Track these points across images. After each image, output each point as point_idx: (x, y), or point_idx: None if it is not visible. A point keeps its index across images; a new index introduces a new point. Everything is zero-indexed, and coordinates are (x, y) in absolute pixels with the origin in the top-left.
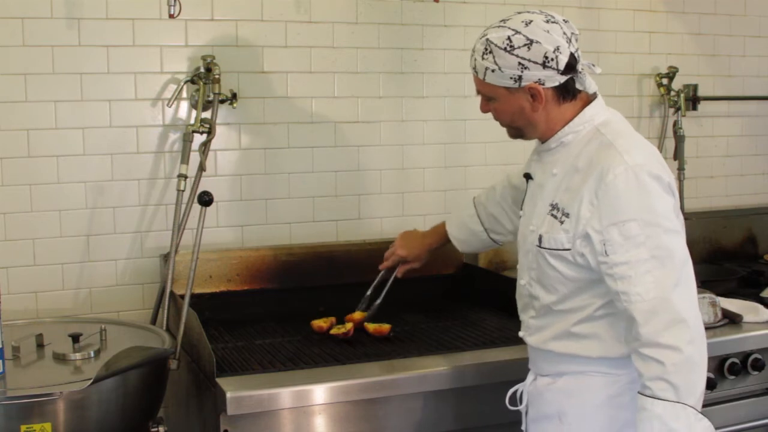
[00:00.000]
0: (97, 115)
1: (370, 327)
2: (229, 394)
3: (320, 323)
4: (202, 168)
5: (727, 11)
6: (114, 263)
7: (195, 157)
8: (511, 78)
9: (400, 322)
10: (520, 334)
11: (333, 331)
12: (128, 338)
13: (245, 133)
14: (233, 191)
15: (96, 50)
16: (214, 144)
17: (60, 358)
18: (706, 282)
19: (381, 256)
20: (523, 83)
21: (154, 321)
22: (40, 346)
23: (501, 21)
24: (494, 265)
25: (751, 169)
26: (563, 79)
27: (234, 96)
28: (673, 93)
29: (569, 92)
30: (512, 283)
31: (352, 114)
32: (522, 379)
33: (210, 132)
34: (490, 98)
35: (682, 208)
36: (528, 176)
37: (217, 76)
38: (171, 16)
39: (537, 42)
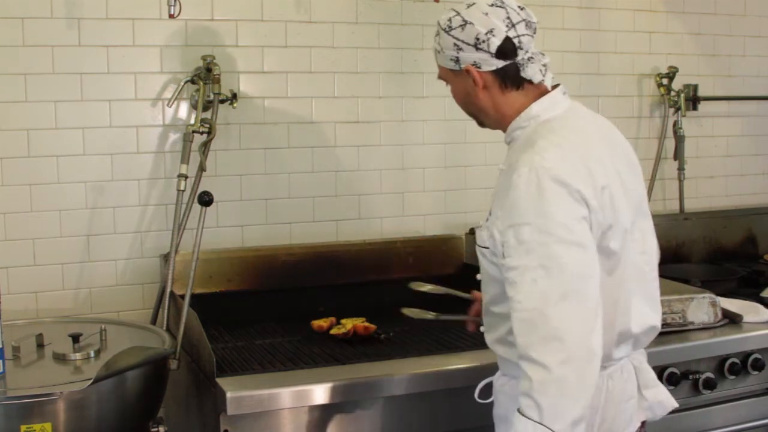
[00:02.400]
0: (97, 115)
1: (359, 325)
2: (229, 394)
3: (320, 323)
4: (202, 168)
5: (727, 11)
6: (114, 263)
7: (195, 157)
8: (451, 59)
9: (400, 322)
10: (481, 329)
11: (333, 331)
12: (128, 338)
13: (245, 133)
14: (233, 191)
15: (96, 50)
16: (214, 144)
17: (60, 358)
18: (706, 282)
19: (381, 256)
20: (461, 65)
21: (154, 321)
22: (40, 346)
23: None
24: None
25: (751, 169)
26: (500, 63)
27: (234, 96)
28: (673, 93)
29: (511, 79)
30: None
31: (352, 114)
32: None
33: (210, 132)
34: (446, 82)
35: (682, 208)
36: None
37: (217, 76)
38: (171, 16)
39: (470, 23)
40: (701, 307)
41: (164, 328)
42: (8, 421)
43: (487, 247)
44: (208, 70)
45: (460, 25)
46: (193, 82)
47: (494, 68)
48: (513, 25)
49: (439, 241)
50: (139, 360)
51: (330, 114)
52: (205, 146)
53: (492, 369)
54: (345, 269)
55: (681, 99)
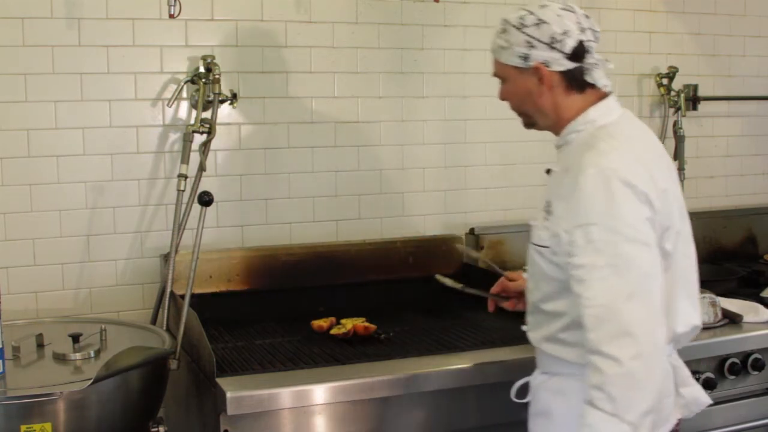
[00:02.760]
0: (97, 115)
1: (360, 325)
2: (229, 394)
3: (320, 323)
4: (202, 168)
5: (727, 11)
6: (114, 263)
7: (195, 157)
8: (519, 56)
9: (400, 322)
10: (523, 328)
11: (333, 331)
12: (128, 338)
13: (245, 133)
14: (233, 191)
15: (96, 50)
16: (214, 144)
17: (60, 358)
18: (706, 282)
19: (381, 256)
20: (530, 62)
21: (154, 321)
22: (40, 346)
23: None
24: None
25: (751, 169)
26: (570, 65)
27: (234, 96)
28: (673, 93)
29: (576, 82)
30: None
31: (352, 114)
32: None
33: (210, 132)
34: (503, 80)
35: None
36: (548, 172)
37: (217, 76)
38: (171, 16)
39: (546, 23)
40: (701, 307)
41: (164, 328)
42: (8, 421)
43: (547, 246)
44: (208, 70)
45: (535, 24)
46: (193, 82)
47: (563, 69)
48: (583, 30)
49: (439, 241)
50: (139, 360)
51: (330, 114)
52: (205, 146)
53: (493, 370)
54: (345, 269)
55: (681, 99)
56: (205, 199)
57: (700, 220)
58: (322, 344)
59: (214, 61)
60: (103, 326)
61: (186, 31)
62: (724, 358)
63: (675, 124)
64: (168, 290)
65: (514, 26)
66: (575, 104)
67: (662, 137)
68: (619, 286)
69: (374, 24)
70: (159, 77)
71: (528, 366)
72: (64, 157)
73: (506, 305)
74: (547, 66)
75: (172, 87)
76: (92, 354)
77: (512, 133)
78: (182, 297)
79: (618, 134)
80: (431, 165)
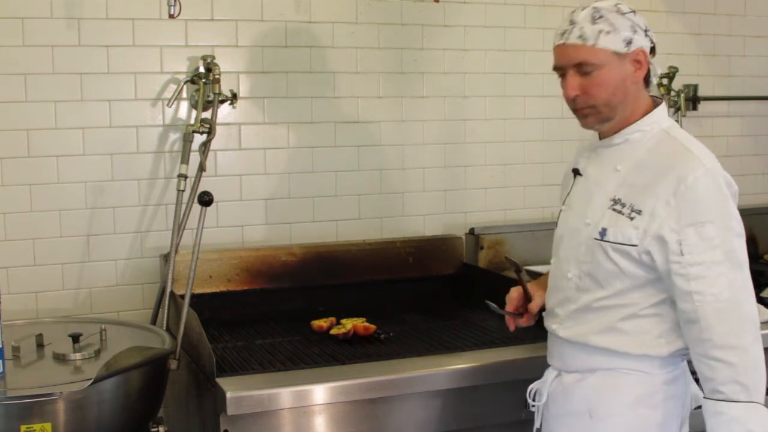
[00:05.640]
0: (97, 115)
1: (359, 325)
2: (229, 394)
3: (320, 323)
4: (202, 168)
5: (727, 11)
6: (114, 263)
7: (195, 157)
8: (623, 40)
9: (400, 322)
10: (552, 327)
11: (333, 331)
12: (128, 338)
13: (245, 133)
14: (233, 191)
15: (96, 50)
16: (214, 144)
17: (60, 358)
18: None
19: (381, 256)
20: (632, 47)
21: (154, 321)
22: (40, 346)
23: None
24: (494, 265)
25: (751, 169)
26: (651, 58)
27: (234, 96)
28: (673, 93)
29: (647, 77)
30: (512, 283)
31: (352, 114)
32: (526, 378)
33: (210, 132)
34: (591, 70)
35: None
36: (577, 172)
37: (217, 76)
38: (171, 16)
39: (635, 12)
40: None
41: (164, 328)
42: (8, 421)
43: (636, 245)
44: (208, 70)
45: (631, 11)
46: (193, 82)
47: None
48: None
49: (439, 241)
50: (139, 360)
51: (330, 114)
52: (205, 146)
53: (493, 370)
54: (345, 269)
55: (681, 99)
56: (205, 199)
57: None
58: (322, 344)
59: (214, 61)
60: (103, 326)
61: (186, 31)
62: None
63: None
64: (168, 290)
65: (614, 12)
66: (644, 101)
67: None
68: (739, 279)
69: (374, 24)
70: (159, 77)
71: (528, 366)
72: (64, 157)
73: (521, 322)
74: (645, 53)
75: (172, 87)
76: (92, 354)
77: (512, 133)
78: (182, 297)
79: (691, 138)
80: (431, 165)
